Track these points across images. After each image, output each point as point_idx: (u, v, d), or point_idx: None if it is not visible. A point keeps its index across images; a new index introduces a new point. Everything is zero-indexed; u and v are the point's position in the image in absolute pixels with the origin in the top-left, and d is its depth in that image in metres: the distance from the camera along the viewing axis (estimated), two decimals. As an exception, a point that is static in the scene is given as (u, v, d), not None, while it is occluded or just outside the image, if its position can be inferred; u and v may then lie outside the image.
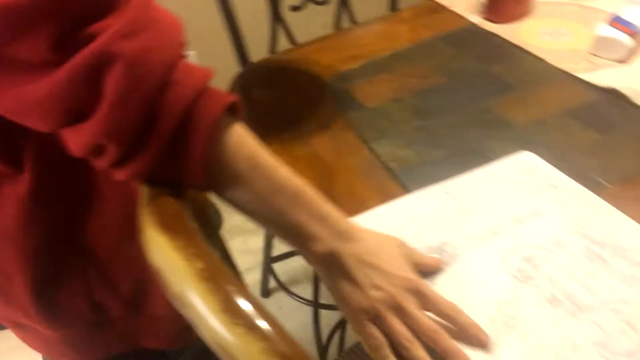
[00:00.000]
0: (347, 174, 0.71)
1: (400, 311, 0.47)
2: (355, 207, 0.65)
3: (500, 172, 0.70)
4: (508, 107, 0.77)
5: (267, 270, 1.52)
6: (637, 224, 0.58)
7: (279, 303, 1.52)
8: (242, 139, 0.44)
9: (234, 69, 1.01)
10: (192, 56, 1.73)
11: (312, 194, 0.47)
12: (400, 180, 0.69)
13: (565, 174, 0.65)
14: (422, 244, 0.61)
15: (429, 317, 0.48)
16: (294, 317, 1.38)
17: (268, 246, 1.45)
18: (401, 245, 0.53)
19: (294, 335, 0.32)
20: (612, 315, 0.51)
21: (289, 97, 0.88)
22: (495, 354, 0.49)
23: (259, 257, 1.54)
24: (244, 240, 1.68)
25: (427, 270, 0.54)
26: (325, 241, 0.47)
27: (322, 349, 1.23)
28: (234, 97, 0.43)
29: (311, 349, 1.23)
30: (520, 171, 0.69)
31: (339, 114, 0.81)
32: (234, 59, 1.08)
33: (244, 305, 0.34)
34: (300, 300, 1.45)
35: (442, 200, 0.67)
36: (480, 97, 0.80)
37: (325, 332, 1.31)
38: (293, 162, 0.68)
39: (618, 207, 0.59)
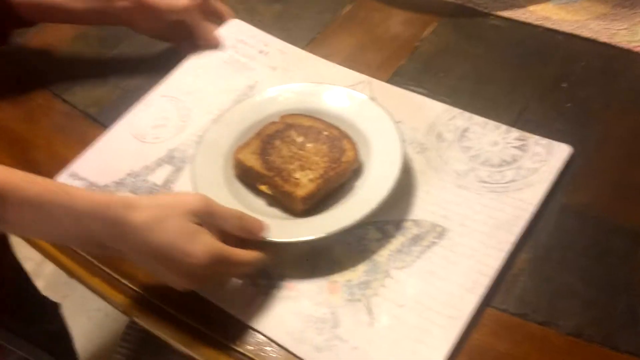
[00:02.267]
0: (44, 137, 0.64)
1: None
2: (60, 168, 0.59)
3: (210, 53, 0.67)
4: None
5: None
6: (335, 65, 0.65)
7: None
8: None
9: None
10: None
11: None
12: (102, 122, 0.63)
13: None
14: (151, 158, 0.59)
15: None
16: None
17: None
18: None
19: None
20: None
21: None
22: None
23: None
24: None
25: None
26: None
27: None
28: None
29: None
30: (230, 44, 0.68)
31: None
32: None
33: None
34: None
35: (161, 106, 0.63)
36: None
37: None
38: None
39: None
